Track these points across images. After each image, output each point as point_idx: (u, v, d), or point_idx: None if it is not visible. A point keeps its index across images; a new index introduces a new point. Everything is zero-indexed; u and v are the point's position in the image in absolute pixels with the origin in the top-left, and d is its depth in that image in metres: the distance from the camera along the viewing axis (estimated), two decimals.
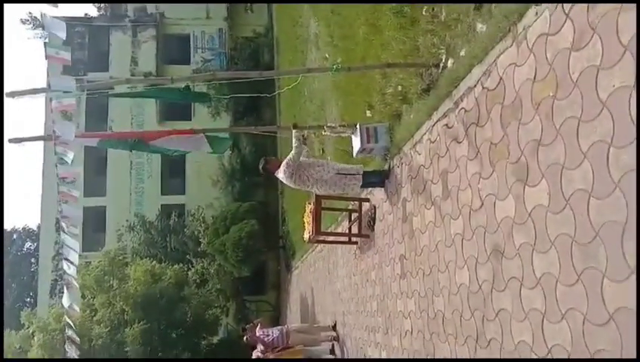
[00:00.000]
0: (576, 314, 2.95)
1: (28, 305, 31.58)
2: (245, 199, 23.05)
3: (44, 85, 5.01)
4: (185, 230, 23.97)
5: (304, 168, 6.32)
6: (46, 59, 4.85)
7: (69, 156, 5.48)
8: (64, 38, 4.68)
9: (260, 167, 6.60)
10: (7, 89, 5.25)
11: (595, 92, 2.83)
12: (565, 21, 3.11)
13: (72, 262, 6.49)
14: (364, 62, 8.19)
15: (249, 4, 27.77)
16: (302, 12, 15.61)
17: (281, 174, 6.34)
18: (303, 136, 6.23)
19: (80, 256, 23.01)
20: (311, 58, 14.44)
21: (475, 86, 4.29)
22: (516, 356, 3.58)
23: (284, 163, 6.29)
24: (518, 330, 3.56)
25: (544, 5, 3.34)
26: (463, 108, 4.53)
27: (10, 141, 6.02)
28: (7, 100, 5.47)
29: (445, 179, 4.86)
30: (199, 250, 22.67)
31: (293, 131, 6.23)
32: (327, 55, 11.91)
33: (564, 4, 3.13)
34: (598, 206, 2.80)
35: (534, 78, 3.42)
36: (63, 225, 6.58)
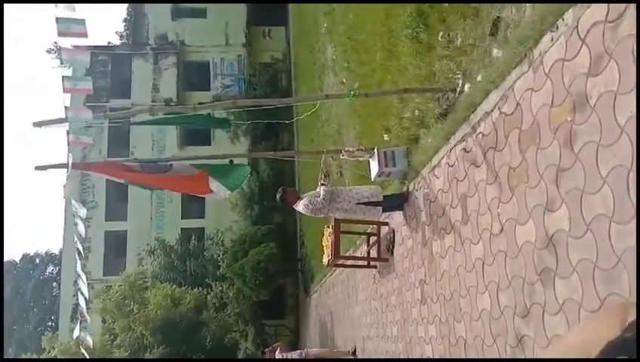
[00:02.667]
0: None
1: (49, 329, 31.83)
2: (264, 222, 23.14)
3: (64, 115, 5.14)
4: (204, 253, 24.11)
5: (325, 204, 6.39)
6: (64, 92, 4.96)
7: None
8: (88, 66, 4.83)
9: (278, 197, 6.67)
10: (35, 118, 5.40)
11: (613, 117, 2.83)
12: (581, 47, 3.13)
13: (83, 293, 6.57)
14: (381, 87, 8.27)
15: (267, 31, 28.28)
16: (319, 38, 15.85)
17: (300, 207, 6.42)
18: (325, 174, 6.37)
19: (100, 280, 23.33)
20: (328, 83, 14.60)
21: (493, 111, 4.31)
22: None
23: (305, 200, 6.37)
24: (541, 357, 3.51)
25: (560, 31, 3.37)
26: (480, 132, 4.55)
27: (36, 168, 6.19)
28: (34, 129, 5.63)
29: (464, 204, 4.85)
30: (218, 273, 22.73)
31: (322, 187, 6.33)
32: (344, 80, 12.04)
33: (579, 30, 3.16)
34: (619, 231, 2.78)
35: (552, 103, 3.43)
36: (78, 245, 6.66)
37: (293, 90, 24.57)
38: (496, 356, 4.18)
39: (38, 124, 5.46)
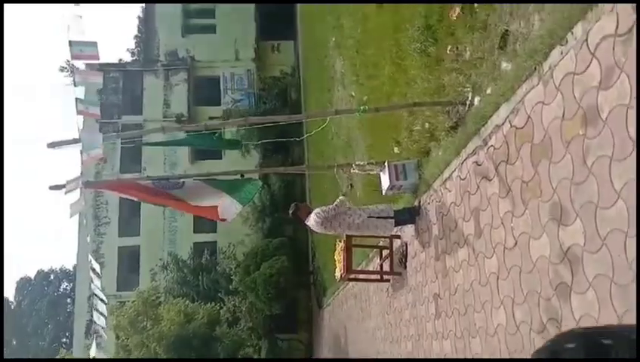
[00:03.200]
0: None
1: (64, 345, 31.96)
2: (275, 235, 23.14)
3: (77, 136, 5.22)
4: (217, 268, 24.11)
5: (337, 215, 6.37)
6: (77, 114, 5.05)
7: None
8: (100, 87, 4.93)
9: (290, 212, 6.66)
10: (49, 138, 5.48)
11: (625, 130, 2.81)
12: (591, 60, 3.12)
13: (101, 313, 6.60)
14: (390, 99, 8.28)
15: (276, 46, 28.50)
16: (327, 52, 15.94)
17: (311, 221, 6.39)
18: (344, 197, 6.39)
19: (114, 296, 23.42)
20: (337, 96, 14.65)
21: (503, 124, 4.30)
22: None
23: (317, 210, 6.35)
24: None
25: (569, 45, 3.36)
26: (491, 146, 4.53)
27: (50, 188, 6.26)
28: (48, 150, 5.70)
29: (477, 217, 4.82)
30: (231, 287, 22.72)
31: (341, 197, 6.41)
32: (353, 93, 12.08)
33: (589, 44, 3.14)
34: (635, 246, 2.74)
35: (563, 116, 3.41)
36: (93, 264, 6.70)
37: (303, 103, 24.68)
38: None
39: (52, 145, 5.54)
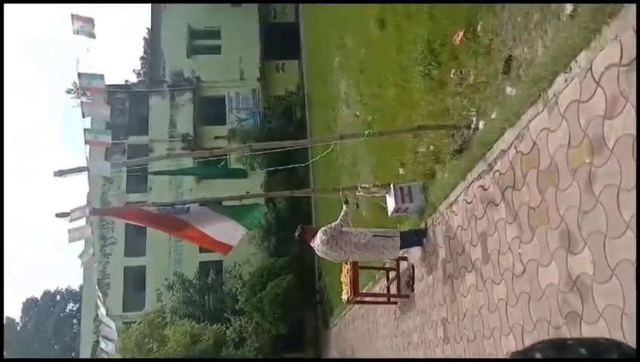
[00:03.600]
0: None
1: None
2: (281, 254, 23.06)
3: (85, 163, 5.25)
4: (223, 287, 24.01)
5: (342, 234, 6.33)
6: (86, 143, 5.10)
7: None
8: (108, 120, 4.97)
9: (296, 234, 6.63)
10: (55, 167, 5.51)
11: (633, 160, 2.79)
12: (596, 89, 3.12)
13: (110, 340, 6.57)
14: (395, 120, 8.30)
15: (281, 65, 28.73)
16: (331, 71, 16.04)
17: (317, 241, 6.35)
18: (347, 207, 6.36)
19: (120, 316, 23.35)
20: (341, 115, 14.71)
21: (509, 149, 4.29)
22: None
23: (322, 229, 6.32)
24: None
25: (573, 72, 3.36)
26: (497, 170, 4.51)
27: (56, 216, 6.27)
28: (54, 178, 5.71)
29: (484, 242, 4.78)
30: (237, 307, 22.59)
31: (344, 206, 6.33)
32: (357, 113, 12.13)
33: (594, 72, 3.14)
34: None
35: (569, 144, 3.40)
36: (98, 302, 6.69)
37: (308, 121, 24.78)
38: None
39: (59, 174, 5.57)
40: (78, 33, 4.36)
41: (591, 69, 3.17)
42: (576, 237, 3.30)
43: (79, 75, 4.59)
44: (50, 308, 43.58)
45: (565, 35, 3.48)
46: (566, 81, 3.44)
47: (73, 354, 36.22)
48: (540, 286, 3.77)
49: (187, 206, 5.76)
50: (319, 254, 6.56)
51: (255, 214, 5.91)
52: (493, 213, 4.58)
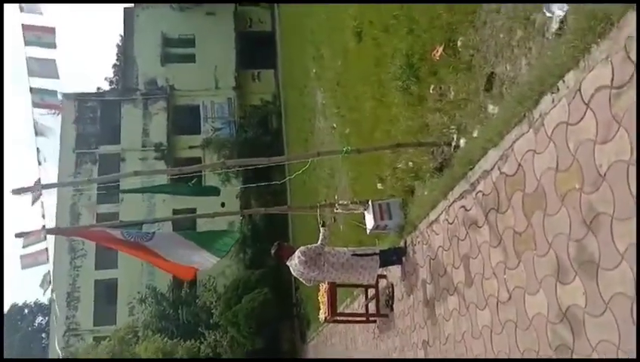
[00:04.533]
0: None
1: None
2: (257, 266, 22.69)
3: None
4: (197, 301, 23.48)
5: (320, 255, 6.10)
6: (34, 106, 4.69)
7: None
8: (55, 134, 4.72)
9: (272, 252, 6.39)
10: (13, 185, 5.16)
11: (627, 188, 2.64)
12: (586, 111, 2.97)
13: None
14: (372, 134, 8.13)
15: (256, 74, 28.46)
16: (308, 82, 15.87)
17: (295, 261, 6.11)
18: (324, 229, 6.15)
19: (91, 331, 22.62)
20: (318, 126, 14.52)
21: (492, 170, 4.14)
22: None
23: (301, 249, 6.09)
24: None
25: (561, 93, 3.21)
26: (480, 191, 4.35)
27: (16, 236, 5.89)
28: (13, 197, 5.35)
29: (467, 265, 4.61)
30: (211, 321, 22.11)
31: (322, 229, 6.14)
32: (334, 125, 11.95)
33: (583, 94, 3.00)
34: None
35: (557, 167, 3.25)
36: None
37: (284, 132, 24.53)
38: None
39: (17, 192, 5.22)
40: (32, 45, 4.05)
41: (580, 90, 3.02)
42: (566, 266, 3.14)
43: (31, 89, 4.28)
44: (18, 322, 42.17)
45: (551, 54, 3.34)
46: (553, 101, 3.30)
47: None
48: (527, 315, 3.60)
49: (152, 231, 5.42)
50: (294, 274, 6.31)
51: (226, 240, 5.62)
52: (476, 235, 4.41)
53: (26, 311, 42.77)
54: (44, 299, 38.57)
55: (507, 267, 3.88)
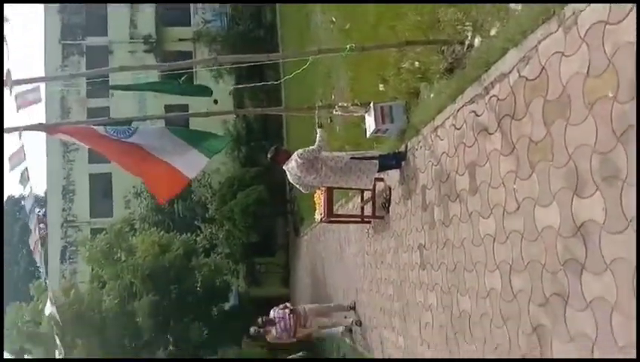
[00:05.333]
0: (632, 352, 2.60)
1: (39, 273, 31.82)
2: (252, 164, 22.73)
3: None
4: (192, 196, 23.74)
5: (318, 158, 5.91)
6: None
7: None
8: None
9: (269, 156, 6.19)
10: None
11: None
12: (630, 10, 2.62)
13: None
14: (376, 30, 7.62)
15: None
16: None
17: (292, 163, 5.93)
18: (321, 131, 5.88)
19: (88, 222, 23.05)
20: (315, 20, 13.74)
21: (510, 73, 3.82)
22: None
23: (298, 152, 5.88)
24: (562, 353, 3.23)
25: None
26: (494, 95, 4.07)
27: (6, 131, 5.62)
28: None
29: (473, 173, 4.44)
30: (207, 216, 22.53)
31: (318, 130, 5.88)
32: (333, 19, 11.26)
33: None
34: None
35: (587, 72, 2.95)
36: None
37: (279, 25, 23.38)
38: (506, 340, 3.92)
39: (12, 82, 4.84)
40: None
41: None
42: (586, 180, 2.95)
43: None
44: (15, 213, 42.85)
45: None
46: None
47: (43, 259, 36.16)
48: (535, 227, 3.48)
49: (134, 127, 5.13)
50: (291, 179, 6.16)
51: (215, 144, 5.35)
52: (486, 142, 4.19)
53: (23, 202, 43.30)
54: (40, 192, 38.89)
55: (518, 177, 3.70)
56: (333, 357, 11.78)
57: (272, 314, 9.13)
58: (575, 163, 3.06)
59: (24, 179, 5.18)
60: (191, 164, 5.07)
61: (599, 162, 2.85)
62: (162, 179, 5.11)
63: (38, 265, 5.46)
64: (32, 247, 5.51)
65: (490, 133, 4.13)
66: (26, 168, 5.10)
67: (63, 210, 27.91)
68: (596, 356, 2.91)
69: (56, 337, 7.91)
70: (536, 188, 3.47)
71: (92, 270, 16.58)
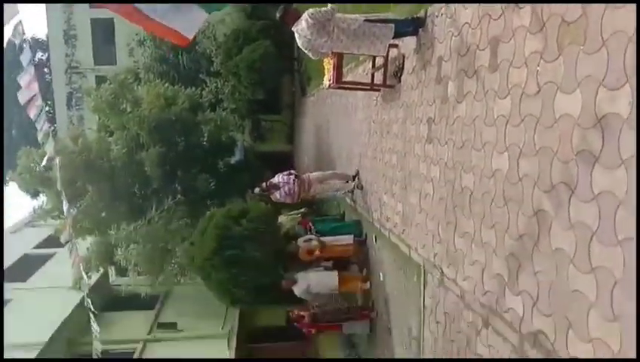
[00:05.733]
0: (631, 245, 2.65)
1: (49, 113, 32.04)
2: (259, 16, 21.66)
3: None
4: (197, 48, 23.03)
5: (330, 20, 5.54)
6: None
7: None
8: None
9: (278, 16, 5.81)
10: None
11: None
12: None
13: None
14: None
15: None
16: None
17: (302, 24, 5.59)
18: None
19: (92, 69, 22.68)
20: None
21: None
22: (550, 257, 3.38)
23: (309, 12, 5.51)
24: (559, 238, 3.30)
25: None
26: None
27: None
28: None
29: (495, 48, 4.18)
30: (212, 69, 22.08)
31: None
32: None
33: None
34: None
35: None
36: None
37: None
38: (505, 220, 4.01)
39: None
40: None
41: None
42: (617, 70, 2.77)
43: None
44: (17, 57, 42.07)
45: None
46: None
47: (48, 102, 36.30)
48: (553, 114, 3.35)
49: None
50: (299, 43, 5.85)
51: (216, 5, 4.96)
52: (514, 17, 3.88)
53: (25, 46, 42.21)
54: (42, 35, 37.75)
55: (543, 58, 3.48)
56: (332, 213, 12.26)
57: (276, 178, 9.31)
58: (608, 51, 2.84)
59: (17, 33, 4.92)
60: (189, 21, 4.76)
61: (634, 53, 2.64)
62: (169, 35, 4.87)
63: (34, 120, 5.39)
64: (22, 102, 5.39)
65: (519, 7, 3.80)
66: (20, 21, 4.81)
67: (66, 55, 27.38)
68: (594, 246, 2.97)
69: (59, 184, 7.99)
70: (560, 72, 3.28)
71: (99, 119, 16.61)
